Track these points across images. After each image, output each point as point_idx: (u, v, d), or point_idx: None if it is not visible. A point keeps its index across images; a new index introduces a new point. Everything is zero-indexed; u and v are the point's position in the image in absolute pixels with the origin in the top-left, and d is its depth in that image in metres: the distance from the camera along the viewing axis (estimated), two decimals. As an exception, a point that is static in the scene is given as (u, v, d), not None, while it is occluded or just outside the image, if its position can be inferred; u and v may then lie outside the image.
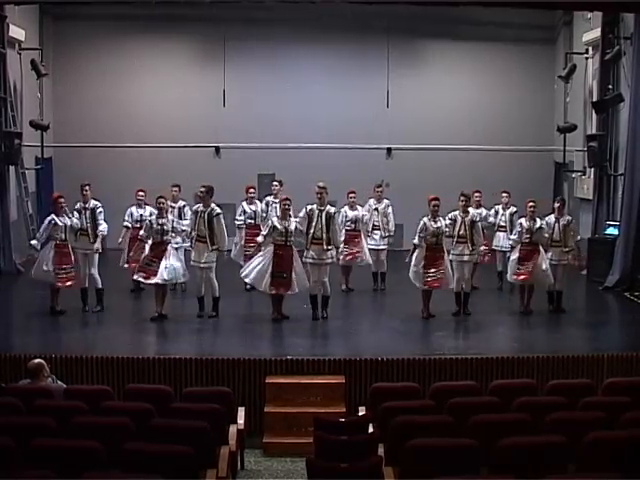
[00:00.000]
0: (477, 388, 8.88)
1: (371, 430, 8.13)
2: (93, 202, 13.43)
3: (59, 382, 8.89)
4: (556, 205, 13.59)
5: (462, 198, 13.23)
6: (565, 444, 6.85)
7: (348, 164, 19.38)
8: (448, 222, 12.98)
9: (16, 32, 17.48)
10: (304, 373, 10.58)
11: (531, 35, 20.26)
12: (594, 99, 17.55)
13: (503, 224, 15.30)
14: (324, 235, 12.63)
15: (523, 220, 13.23)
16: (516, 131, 20.27)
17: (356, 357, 10.73)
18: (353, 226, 14.82)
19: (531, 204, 13.22)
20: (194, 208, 13.05)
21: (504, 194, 15.52)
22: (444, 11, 18.43)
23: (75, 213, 13.13)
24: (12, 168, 17.13)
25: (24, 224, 17.54)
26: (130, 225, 14.61)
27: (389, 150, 20.45)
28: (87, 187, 13.61)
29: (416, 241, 12.83)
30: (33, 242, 13.30)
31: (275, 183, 15.51)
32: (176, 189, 15.07)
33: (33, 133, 18.20)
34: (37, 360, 8.85)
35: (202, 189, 12.94)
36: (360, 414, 8.95)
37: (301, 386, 10.37)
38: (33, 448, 6.70)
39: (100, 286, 13.21)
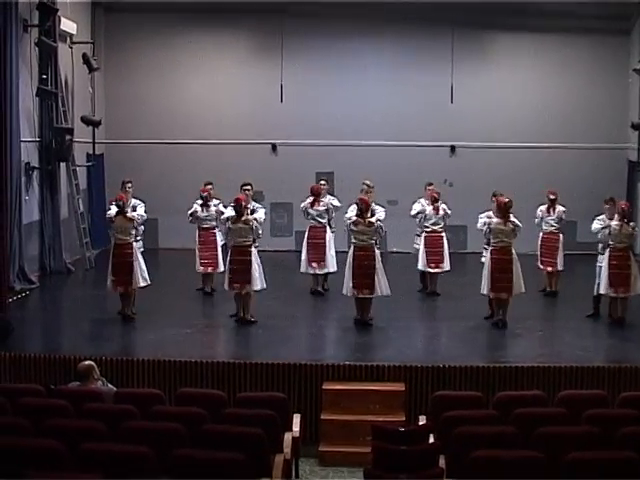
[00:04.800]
0: (544, 398, 8.67)
1: (432, 440, 7.95)
2: (134, 201, 13.31)
3: (109, 385, 8.85)
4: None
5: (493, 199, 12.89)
6: (637, 460, 6.57)
7: (410, 162, 19.02)
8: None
9: (68, 25, 17.16)
10: (362, 379, 10.41)
11: (603, 26, 19.49)
12: (671, 93, 17.03)
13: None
14: None
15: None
16: (587, 128, 19.62)
17: (417, 364, 10.50)
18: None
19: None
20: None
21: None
22: (510, 2, 18.04)
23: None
24: (63, 165, 17.01)
25: (75, 222, 17.42)
26: None
27: (453, 148, 19.97)
28: (129, 184, 13.46)
29: None
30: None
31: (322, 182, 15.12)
32: (210, 187, 14.80)
33: (84, 129, 18.03)
34: (87, 362, 8.83)
35: (248, 187, 13.04)
36: (420, 423, 8.78)
37: (359, 393, 10.21)
38: (82, 452, 6.65)
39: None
